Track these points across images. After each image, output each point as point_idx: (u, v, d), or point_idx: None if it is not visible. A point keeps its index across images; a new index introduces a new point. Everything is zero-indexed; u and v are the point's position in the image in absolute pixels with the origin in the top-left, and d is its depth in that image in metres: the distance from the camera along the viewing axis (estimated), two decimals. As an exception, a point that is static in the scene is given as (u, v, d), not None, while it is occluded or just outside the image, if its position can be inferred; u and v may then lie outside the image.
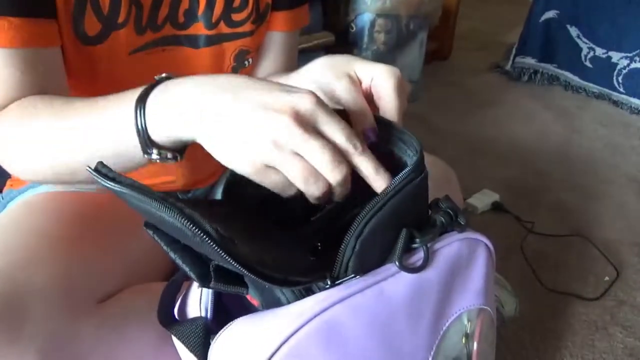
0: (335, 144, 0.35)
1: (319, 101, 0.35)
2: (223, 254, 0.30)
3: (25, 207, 0.61)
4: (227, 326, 0.36)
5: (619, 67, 1.71)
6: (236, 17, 0.61)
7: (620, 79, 1.71)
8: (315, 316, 0.32)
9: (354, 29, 1.51)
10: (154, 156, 0.41)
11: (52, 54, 0.51)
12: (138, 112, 0.39)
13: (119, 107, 0.42)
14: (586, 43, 1.78)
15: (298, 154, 0.34)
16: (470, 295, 0.42)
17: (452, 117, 1.59)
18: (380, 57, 1.51)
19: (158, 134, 0.40)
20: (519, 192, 1.21)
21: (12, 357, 0.42)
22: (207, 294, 0.43)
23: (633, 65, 1.68)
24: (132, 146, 0.41)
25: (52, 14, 0.50)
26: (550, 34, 1.84)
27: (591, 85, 1.79)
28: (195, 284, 0.45)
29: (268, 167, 0.35)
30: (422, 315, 0.38)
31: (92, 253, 0.54)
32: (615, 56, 1.71)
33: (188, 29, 0.58)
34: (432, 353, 0.39)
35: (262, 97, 0.35)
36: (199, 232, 0.30)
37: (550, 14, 1.83)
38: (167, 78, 0.41)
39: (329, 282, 0.35)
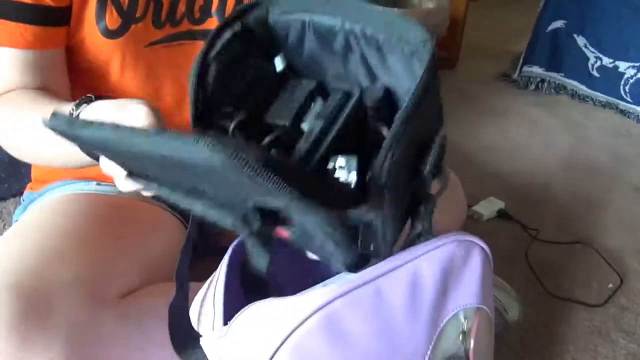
0: None
1: None
2: (283, 182, 0.28)
3: (47, 208, 0.65)
4: (240, 312, 0.38)
5: (626, 76, 1.71)
6: None
7: (627, 88, 1.72)
8: (317, 310, 0.35)
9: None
10: None
11: (53, 55, 0.57)
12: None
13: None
14: (593, 52, 1.79)
15: None
16: (467, 294, 0.44)
17: (459, 125, 1.61)
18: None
19: None
20: (524, 200, 1.22)
21: (41, 344, 0.45)
22: (220, 295, 0.45)
23: (640, 75, 1.68)
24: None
25: (59, 22, 0.54)
26: (558, 43, 1.85)
27: (598, 94, 1.80)
28: (210, 290, 0.47)
29: None
30: (420, 310, 0.40)
31: (112, 252, 0.58)
32: (622, 65, 1.72)
33: (203, 24, 0.63)
34: (430, 347, 0.41)
35: None
36: (255, 167, 0.28)
37: (558, 23, 1.84)
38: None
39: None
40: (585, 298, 0.92)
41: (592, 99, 1.82)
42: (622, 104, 1.75)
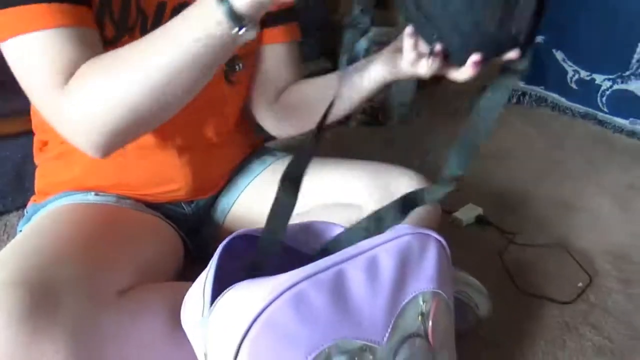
0: None
1: None
2: None
3: (50, 217, 0.70)
4: (223, 293, 0.44)
5: (602, 88, 1.79)
6: None
7: (603, 99, 1.80)
8: (285, 290, 0.40)
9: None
10: (241, 31, 0.50)
11: (94, 34, 0.59)
12: None
13: (198, 7, 0.51)
14: (571, 66, 1.87)
15: None
16: (424, 280, 0.50)
17: (443, 136, 1.68)
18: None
19: (240, 7, 0.49)
20: (503, 206, 1.29)
21: (47, 338, 0.49)
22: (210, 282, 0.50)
23: (615, 87, 1.76)
24: (220, 29, 0.50)
25: (89, 3, 0.59)
26: (538, 57, 1.93)
27: (577, 105, 1.88)
28: (200, 284, 0.53)
29: None
30: (379, 292, 0.46)
31: (110, 254, 0.63)
32: (598, 78, 1.80)
33: None
34: (391, 325, 0.47)
35: None
36: None
37: (537, 38, 1.93)
38: None
39: None
40: (557, 296, 0.98)
41: (571, 111, 1.89)
42: (600, 115, 1.82)
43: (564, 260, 1.09)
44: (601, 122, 1.82)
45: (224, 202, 0.91)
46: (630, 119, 1.74)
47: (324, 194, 0.81)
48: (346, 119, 1.33)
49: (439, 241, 0.53)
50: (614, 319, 0.93)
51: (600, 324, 0.92)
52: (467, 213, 1.20)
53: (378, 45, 1.58)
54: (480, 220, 1.20)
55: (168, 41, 0.52)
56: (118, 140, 0.58)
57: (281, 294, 0.40)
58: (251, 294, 0.42)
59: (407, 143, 1.65)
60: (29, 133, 0.83)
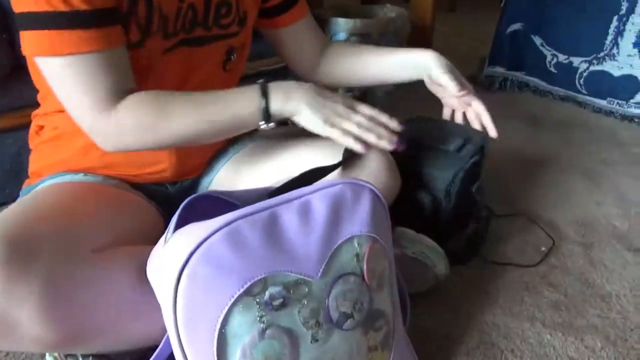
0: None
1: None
2: None
3: (39, 191, 0.78)
4: (173, 234, 0.51)
5: (579, 70, 1.85)
6: (224, 21, 0.82)
7: (581, 81, 1.85)
8: (223, 226, 0.47)
9: (331, 48, 1.68)
10: (266, 125, 0.71)
11: (121, 52, 0.69)
12: (264, 97, 0.70)
13: (245, 96, 0.72)
14: (549, 50, 1.92)
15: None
16: (358, 224, 0.57)
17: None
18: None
19: (274, 111, 0.70)
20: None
21: (23, 283, 0.56)
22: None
23: (592, 68, 1.81)
24: (252, 119, 0.71)
25: (115, 21, 0.68)
26: (517, 44, 1.99)
27: (557, 89, 1.93)
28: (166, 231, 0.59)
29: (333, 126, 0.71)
30: (312, 232, 0.52)
31: (88, 220, 0.70)
32: (575, 61, 1.85)
33: (193, 33, 0.78)
34: (324, 262, 0.53)
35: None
36: None
37: (516, 26, 1.99)
38: (267, 81, 0.72)
39: None
40: (521, 261, 1.04)
41: (552, 94, 1.95)
42: (580, 97, 1.87)
43: (530, 229, 1.15)
44: (580, 104, 1.87)
45: (203, 183, 0.98)
46: (608, 99, 1.79)
47: (298, 167, 0.88)
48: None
49: (374, 191, 0.59)
50: (572, 278, 0.99)
51: (559, 283, 0.98)
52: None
53: (357, 37, 1.65)
54: (453, 196, 1.26)
55: (214, 110, 0.71)
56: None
57: (218, 229, 0.47)
58: (193, 232, 0.49)
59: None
60: (24, 127, 0.90)
